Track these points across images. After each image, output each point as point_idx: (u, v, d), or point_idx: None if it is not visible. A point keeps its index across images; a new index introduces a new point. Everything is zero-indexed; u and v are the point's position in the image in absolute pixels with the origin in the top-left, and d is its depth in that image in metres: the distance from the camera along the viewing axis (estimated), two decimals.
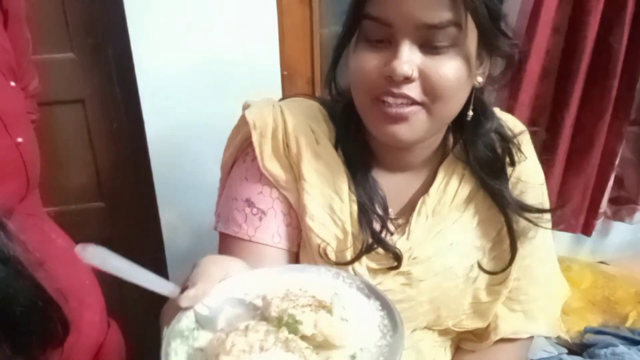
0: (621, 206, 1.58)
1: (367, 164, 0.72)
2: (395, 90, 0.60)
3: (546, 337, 1.33)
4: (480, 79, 0.66)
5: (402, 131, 0.63)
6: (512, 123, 0.77)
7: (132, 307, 1.23)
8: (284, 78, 1.27)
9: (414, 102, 0.61)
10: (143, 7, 1.10)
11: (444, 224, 0.72)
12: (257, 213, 0.70)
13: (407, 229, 0.71)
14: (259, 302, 0.49)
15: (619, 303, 1.42)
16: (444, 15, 0.58)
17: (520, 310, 0.78)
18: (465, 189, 0.73)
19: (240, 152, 0.73)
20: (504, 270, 0.73)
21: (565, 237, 1.58)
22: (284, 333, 0.43)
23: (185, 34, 1.14)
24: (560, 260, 1.53)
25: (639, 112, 1.46)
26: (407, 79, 0.59)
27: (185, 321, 0.47)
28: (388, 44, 0.60)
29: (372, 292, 0.50)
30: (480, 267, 0.74)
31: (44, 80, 1.17)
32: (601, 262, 1.64)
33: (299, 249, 0.72)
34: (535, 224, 0.72)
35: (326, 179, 0.69)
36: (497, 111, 0.77)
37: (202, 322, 0.48)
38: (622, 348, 1.21)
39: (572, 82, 1.34)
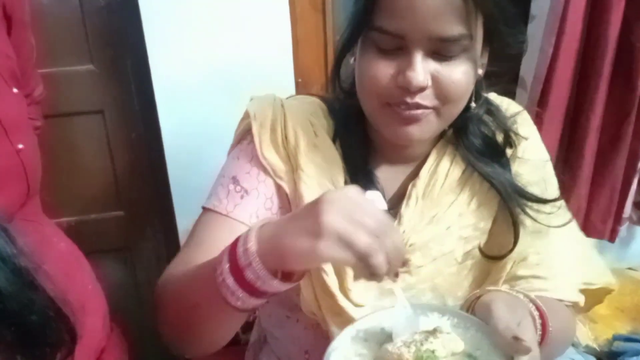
0: None
1: (365, 158, 0.73)
2: (409, 100, 0.61)
3: (573, 346, 1.29)
4: (480, 71, 0.67)
5: (414, 131, 0.64)
6: (506, 105, 0.77)
7: (135, 313, 1.23)
8: (298, 85, 1.28)
9: (426, 107, 0.62)
10: (159, 17, 1.13)
11: (439, 209, 0.72)
12: (240, 191, 0.70)
13: (398, 214, 0.71)
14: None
15: None
16: (458, 28, 0.58)
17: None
18: (457, 170, 0.72)
19: (241, 139, 0.75)
20: (505, 255, 0.71)
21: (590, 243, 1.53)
22: None
23: (200, 43, 1.17)
24: None
25: None
26: (422, 89, 0.61)
27: None
28: (399, 51, 0.61)
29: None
30: (480, 250, 0.72)
31: (65, 92, 1.22)
32: (629, 269, 1.59)
33: None
34: (527, 214, 0.70)
35: (323, 170, 0.70)
36: (494, 96, 0.77)
37: None
38: None
39: (595, 82, 1.30)
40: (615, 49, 1.28)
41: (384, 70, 0.61)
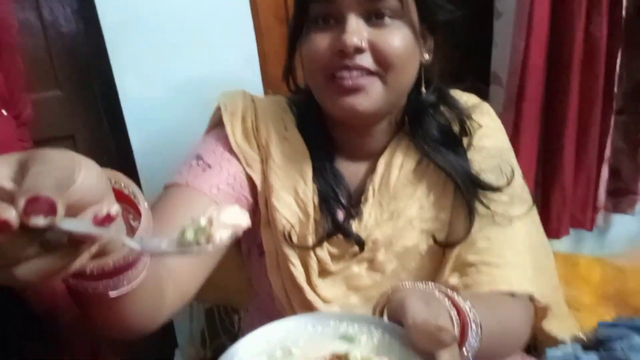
0: (621, 198, 1.55)
1: (330, 154, 0.74)
2: (348, 63, 0.63)
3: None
4: (426, 56, 0.69)
5: (360, 101, 0.65)
6: (466, 98, 0.79)
7: None
8: None
9: (369, 73, 0.64)
10: (123, 38, 1.13)
11: (398, 203, 0.72)
12: (202, 165, 0.71)
13: (359, 211, 0.72)
14: None
15: (632, 295, 1.38)
16: None
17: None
18: (411, 161, 0.73)
19: (211, 129, 0.78)
20: (457, 242, 0.70)
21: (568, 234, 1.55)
22: None
23: (167, 62, 1.17)
24: (566, 257, 1.50)
25: (626, 101, 1.45)
26: (358, 50, 0.62)
27: None
28: (336, 23, 0.64)
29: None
30: (434, 239, 0.72)
31: (34, 119, 1.20)
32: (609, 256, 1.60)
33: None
34: (482, 203, 0.70)
35: (292, 162, 0.71)
36: (459, 94, 0.78)
37: None
38: (637, 340, 1.16)
39: (567, 72, 1.33)
40: (583, 39, 1.31)
41: (322, 42, 0.64)
